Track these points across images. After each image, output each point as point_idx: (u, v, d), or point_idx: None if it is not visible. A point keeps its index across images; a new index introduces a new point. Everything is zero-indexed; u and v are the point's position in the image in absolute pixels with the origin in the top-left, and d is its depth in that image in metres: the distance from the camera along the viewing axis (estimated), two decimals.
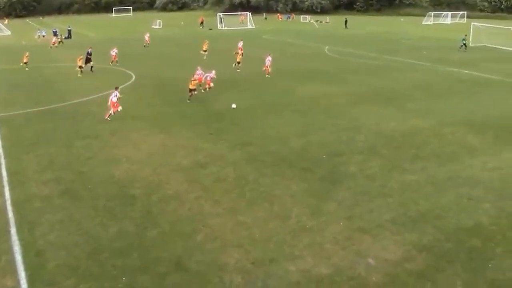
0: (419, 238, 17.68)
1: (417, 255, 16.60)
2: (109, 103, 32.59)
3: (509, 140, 29.08)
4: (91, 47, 53.07)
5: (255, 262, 16.06)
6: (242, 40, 66.52)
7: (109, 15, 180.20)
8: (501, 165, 25.00)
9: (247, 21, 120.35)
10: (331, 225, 18.55)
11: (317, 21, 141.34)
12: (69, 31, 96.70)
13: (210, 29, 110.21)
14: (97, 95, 40.06)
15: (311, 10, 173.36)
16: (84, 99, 39.14)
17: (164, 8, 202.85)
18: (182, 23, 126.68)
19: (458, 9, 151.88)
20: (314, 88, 43.49)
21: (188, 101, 37.56)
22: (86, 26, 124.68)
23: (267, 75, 49.00)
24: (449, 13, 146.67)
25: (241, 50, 61.24)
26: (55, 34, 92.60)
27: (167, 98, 39.84)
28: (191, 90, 37.84)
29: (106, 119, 32.45)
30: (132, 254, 16.54)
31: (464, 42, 73.05)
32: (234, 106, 35.91)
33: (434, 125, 31.82)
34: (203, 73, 40.64)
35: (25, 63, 55.59)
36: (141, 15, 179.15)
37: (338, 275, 15.37)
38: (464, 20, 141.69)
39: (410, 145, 27.91)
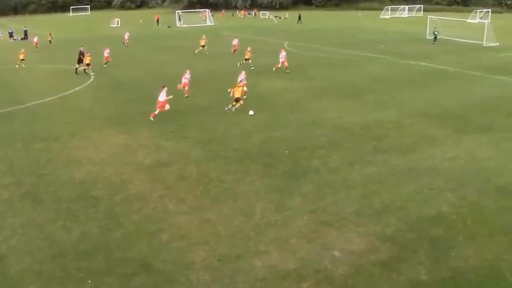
0: (383, 229, 17.91)
1: (381, 246, 16.82)
2: (158, 103, 32.12)
3: (467, 130, 29.63)
4: (83, 46, 51.66)
5: (222, 259, 16.08)
6: (237, 37, 66.44)
7: (66, 14, 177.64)
8: (460, 155, 25.46)
9: (206, 18, 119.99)
10: (296, 220, 18.67)
11: (276, 17, 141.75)
12: (25, 32, 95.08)
13: (169, 27, 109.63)
14: (55, 96, 39.60)
15: (270, 6, 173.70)
16: (41, 100, 38.58)
17: (122, 6, 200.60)
18: (140, 21, 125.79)
19: (414, 2, 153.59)
20: (275, 83, 43.63)
21: (227, 110, 33.95)
22: (43, 26, 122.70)
23: (287, 71, 48.66)
24: (406, 6, 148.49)
25: (235, 47, 62.06)
26: (11, 35, 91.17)
27: (126, 97, 39.51)
28: (237, 100, 33.23)
29: (150, 119, 32.04)
30: (96, 256, 16.41)
31: (435, 34, 74.10)
32: (251, 113, 33.49)
33: (394, 117, 32.23)
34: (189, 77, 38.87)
35: (22, 60, 55.68)
36: (99, 14, 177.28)
37: (304, 269, 15.48)
38: (421, 14, 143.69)
39: (371, 138, 28.21)
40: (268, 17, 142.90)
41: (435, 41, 73.79)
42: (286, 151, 26.23)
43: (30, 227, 18.51)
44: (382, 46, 70.13)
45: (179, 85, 37.05)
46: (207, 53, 63.73)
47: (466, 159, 24.98)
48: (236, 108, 33.30)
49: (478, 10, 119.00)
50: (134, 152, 26.40)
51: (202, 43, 65.70)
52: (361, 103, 35.83)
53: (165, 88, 32.31)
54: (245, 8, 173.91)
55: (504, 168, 23.70)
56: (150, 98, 37.37)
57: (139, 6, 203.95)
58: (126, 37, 78.23)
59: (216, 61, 56.91)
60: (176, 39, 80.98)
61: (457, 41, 74.62)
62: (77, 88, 42.86)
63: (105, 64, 53.73)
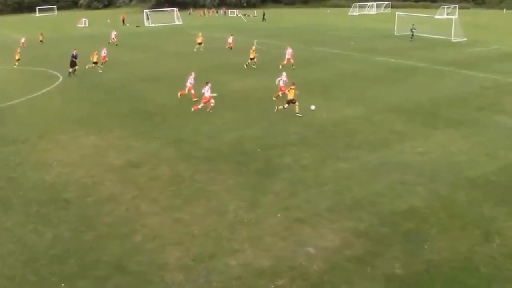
0: (356, 225, 17.98)
1: (355, 241, 16.88)
2: (203, 98, 32.83)
3: (436, 124, 29.93)
4: (75, 49, 50.33)
5: (196, 259, 15.99)
6: (232, 35, 66.61)
7: (33, 15, 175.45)
8: (431, 149, 25.70)
9: (174, 16, 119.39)
10: (269, 217, 18.64)
11: (245, 15, 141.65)
12: None
13: (138, 26, 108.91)
14: (23, 98, 39.08)
15: (238, 4, 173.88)
16: (8, 103, 38.04)
17: (89, 6, 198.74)
18: (108, 21, 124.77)
19: None
20: (245, 82, 43.60)
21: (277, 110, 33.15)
22: (9, 26, 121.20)
23: (292, 67, 48.44)
24: (374, 3, 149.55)
25: (230, 44, 63.11)
26: None
27: (95, 98, 39.07)
28: (290, 102, 32.11)
29: (193, 111, 33.00)
30: (69, 259, 16.20)
31: (413, 32, 74.64)
32: (313, 107, 33.25)
33: (365, 114, 32.43)
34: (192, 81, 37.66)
35: (18, 60, 54.95)
36: (66, 14, 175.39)
37: (279, 266, 15.46)
38: (389, 10, 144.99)
39: (342, 134, 28.34)
40: (237, 15, 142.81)
41: (412, 38, 74.30)
42: (258, 149, 26.20)
43: (0, 232, 18.22)
44: (352, 43, 70.53)
45: (181, 91, 37.01)
46: (202, 50, 64.04)
47: (437, 153, 25.21)
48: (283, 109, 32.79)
49: (446, 6, 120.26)
50: (105, 153, 26.14)
51: (199, 40, 66.13)
52: (332, 100, 35.95)
53: (209, 85, 32.91)
54: (214, 6, 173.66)
55: (474, 162, 23.97)
56: (120, 98, 37.27)
57: (106, 6, 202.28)
58: (113, 35, 77.42)
59: (185, 60, 56.63)
60: (146, 38, 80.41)
61: (425, 37, 75.34)
62: (45, 90, 42.32)
63: (102, 64, 52.78)
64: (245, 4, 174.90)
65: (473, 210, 19.03)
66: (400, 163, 23.88)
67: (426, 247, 16.46)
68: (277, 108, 32.66)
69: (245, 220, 18.53)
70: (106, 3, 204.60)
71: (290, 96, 32.12)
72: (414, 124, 30.07)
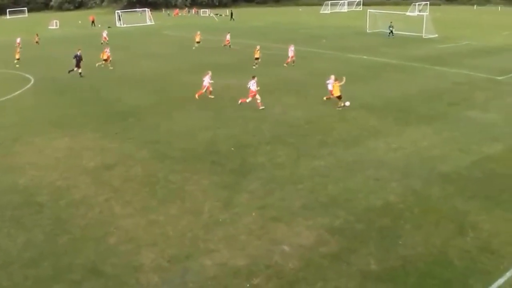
0: (331, 222, 18.05)
1: (330, 238, 16.94)
2: (250, 92, 33.24)
3: (410, 120, 30.21)
4: (80, 49, 49.15)
5: (171, 260, 15.93)
6: (229, 32, 67.95)
7: (2, 17, 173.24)
8: (403, 145, 25.91)
9: (146, 17, 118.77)
10: (244, 217, 18.64)
11: (217, 14, 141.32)
12: None
13: (109, 27, 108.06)
14: None
15: (210, 4, 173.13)
16: None
17: (60, 8, 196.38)
18: (79, 22, 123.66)
19: None
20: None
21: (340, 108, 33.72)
22: None
23: (292, 64, 50.10)
24: (346, 1, 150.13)
25: (228, 42, 64.83)
26: None
27: (68, 100, 38.66)
28: (339, 97, 33.54)
29: (240, 103, 33.57)
30: (43, 263, 16.04)
31: (391, 29, 75.05)
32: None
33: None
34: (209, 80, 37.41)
35: (18, 59, 54.36)
36: (37, 15, 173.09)
37: (254, 265, 15.47)
38: (361, 8, 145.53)
39: (316, 132, 28.43)
40: (209, 15, 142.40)
41: (390, 35, 74.81)
42: (232, 148, 26.18)
43: None
44: (324, 40, 70.75)
45: (200, 92, 36.63)
46: (193, 48, 64.23)
47: (410, 149, 25.42)
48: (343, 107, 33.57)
49: (417, 3, 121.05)
50: (78, 156, 25.92)
51: (197, 39, 67.08)
52: (305, 98, 36.05)
53: (255, 78, 33.33)
54: (186, 6, 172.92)
55: (447, 156, 24.23)
56: (93, 100, 36.98)
57: (77, 7, 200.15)
58: (104, 35, 77.07)
59: (157, 61, 56.41)
60: (117, 39, 79.86)
61: (397, 34, 75.83)
62: (16, 93, 41.86)
63: (108, 62, 52.26)
64: (217, 4, 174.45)
65: (447, 204, 19.22)
66: (374, 160, 24.04)
67: (401, 242, 16.58)
68: (342, 105, 33.56)
69: (220, 220, 18.51)
70: (77, 4, 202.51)
71: (337, 93, 33.29)
72: (387, 121, 30.28)
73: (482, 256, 15.71)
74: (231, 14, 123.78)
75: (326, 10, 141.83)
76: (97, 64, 49.65)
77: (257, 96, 32.79)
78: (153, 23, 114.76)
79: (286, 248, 16.43)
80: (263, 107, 32.91)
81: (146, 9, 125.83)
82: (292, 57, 50.19)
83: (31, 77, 47.84)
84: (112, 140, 28.08)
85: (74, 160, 25.29)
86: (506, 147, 25.66)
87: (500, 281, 14.48)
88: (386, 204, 19.34)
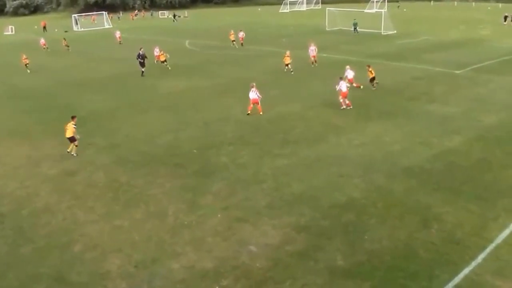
0: (297, 220, 18.10)
1: (297, 236, 16.99)
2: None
3: (370, 116, 30.45)
4: (142, 48, 48.76)
5: (138, 265, 15.81)
6: (242, 30, 67.66)
7: None
8: (365, 141, 26.11)
9: (103, 20, 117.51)
10: (210, 218, 18.59)
11: (175, 15, 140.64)
12: None
13: (66, 31, 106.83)
14: None
15: (169, 6, 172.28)
16: None
17: (15, 13, 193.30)
18: (35, 27, 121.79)
19: None
20: (178, 83, 43.32)
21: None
22: None
23: (312, 65, 49.27)
24: (304, 0, 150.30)
25: (242, 39, 65.14)
26: None
27: (25, 106, 38.07)
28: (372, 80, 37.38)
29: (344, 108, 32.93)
30: (7, 274, 15.77)
31: (355, 26, 75.55)
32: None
33: (299, 110, 32.69)
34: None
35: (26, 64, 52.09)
36: None
37: (222, 267, 15.44)
38: (319, 6, 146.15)
39: (278, 131, 28.46)
40: (167, 16, 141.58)
41: (355, 32, 75.42)
42: (195, 150, 26.09)
43: None
44: (284, 40, 70.83)
45: (249, 107, 35.50)
46: (236, 46, 63.68)
47: (372, 144, 25.62)
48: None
49: (375, 1, 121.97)
50: (38, 164, 25.54)
51: (232, 37, 66.54)
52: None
53: (344, 79, 33.89)
54: (144, 8, 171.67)
55: (409, 151, 24.47)
56: (51, 106, 36.44)
57: (33, 12, 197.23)
58: (117, 35, 77.73)
59: (116, 65, 55.87)
60: (74, 44, 78.85)
61: (358, 31, 76.38)
62: None
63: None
64: (176, 5, 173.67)
65: (410, 198, 19.43)
66: (337, 156, 24.16)
67: (366, 237, 16.71)
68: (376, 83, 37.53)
69: (186, 222, 18.43)
70: (32, 9, 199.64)
71: (371, 74, 37.24)
72: (348, 118, 30.46)
73: (447, 247, 15.92)
74: (174, 15, 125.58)
75: (285, 9, 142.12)
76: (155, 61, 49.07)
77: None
78: (110, 26, 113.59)
79: (253, 248, 16.43)
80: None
81: (104, 12, 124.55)
82: (313, 56, 49.46)
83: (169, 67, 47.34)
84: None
85: (34, 168, 24.93)
86: (465, 139, 26.01)
87: (466, 270, 14.71)
88: (350, 200, 19.47)
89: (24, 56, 50.17)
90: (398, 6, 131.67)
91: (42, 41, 75.99)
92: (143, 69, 47.28)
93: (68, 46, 72.86)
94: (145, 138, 28.58)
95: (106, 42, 77.17)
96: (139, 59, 47.58)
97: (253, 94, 31.76)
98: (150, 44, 59.61)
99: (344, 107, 32.58)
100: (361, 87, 36.84)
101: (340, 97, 32.63)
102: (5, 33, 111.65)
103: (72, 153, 26.39)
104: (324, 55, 54.94)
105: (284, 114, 31.81)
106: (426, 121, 29.23)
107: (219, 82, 42.76)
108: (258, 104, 32.03)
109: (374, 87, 36.97)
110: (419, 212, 18.23)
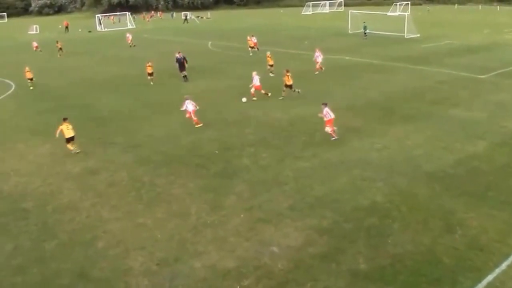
0: (319, 222, 18.05)
1: (319, 239, 16.95)
2: None
3: (393, 120, 30.28)
4: (179, 52, 47.31)
5: (160, 263, 15.90)
6: (253, 35, 65.80)
7: None
8: (388, 144, 25.96)
9: (126, 21, 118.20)
10: (232, 218, 18.63)
11: (198, 17, 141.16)
12: None
13: (90, 32, 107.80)
14: None
15: (192, 7, 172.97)
16: None
17: (40, 13, 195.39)
18: (60, 26, 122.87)
19: None
20: (200, 84, 43.45)
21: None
22: None
23: (318, 72, 47.10)
24: (327, 2, 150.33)
25: (256, 44, 63.00)
26: None
27: (48, 106, 38.40)
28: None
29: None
30: (31, 269, 15.94)
31: (365, 29, 75.28)
32: (244, 99, 35.94)
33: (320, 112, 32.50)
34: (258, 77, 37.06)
35: (30, 79, 46.47)
36: (17, 21, 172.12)
37: (244, 267, 15.46)
38: (342, 8, 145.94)
39: (299, 133, 28.42)
40: (190, 17, 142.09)
41: (366, 35, 75.03)
42: (216, 151, 26.13)
43: None
44: (306, 42, 70.75)
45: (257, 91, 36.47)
46: (251, 54, 63.17)
47: (394, 148, 25.47)
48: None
49: (398, 3, 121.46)
50: (61, 161, 25.77)
51: (251, 44, 63.81)
52: (287, 100, 35.95)
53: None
54: (167, 9, 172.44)
55: (431, 155, 24.29)
56: (73, 105, 36.76)
57: (57, 12, 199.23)
58: (130, 37, 77.64)
59: (140, 65, 56.10)
60: (98, 44, 79.47)
61: (379, 34, 76.05)
62: None
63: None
64: (199, 6, 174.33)
65: (434, 202, 19.28)
66: (359, 160, 24.06)
67: (389, 241, 16.62)
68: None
69: (208, 222, 18.48)
70: (56, 9, 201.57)
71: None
72: (371, 121, 30.34)
73: (471, 253, 15.78)
74: (185, 17, 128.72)
75: (307, 11, 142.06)
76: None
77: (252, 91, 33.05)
78: (134, 26, 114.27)
79: (275, 249, 16.43)
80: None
81: (127, 12, 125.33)
82: (318, 63, 47.18)
83: (12, 83, 47.41)
84: (95, 145, 27.97)
85: (57, 166, 25.16)
86: (489, 144, 25.77)
87: (490, 277, 14.54)
88: (373, 204, 19.37)
89: (27, 69, 47.00)
90: (428, 10, 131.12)
91: (35, 43, 76.05)
92: (184, 73, 45.84)
93: (61, 49, 70.37)
94: (167, 138, 28.70)
95: (126, 42, 77.41)
96: (177, 63, 46.17)
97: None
98: (171, 44, 59.88)
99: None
100: (269, 94, 36.58)
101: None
102: (29, 32, 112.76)
103: (74, 151, 26.82)
104: (346, 58, 54.86)
105: (305, 116, 31.72)
106: (449, 125, 29.02)
107: (240, 84, 42.68)
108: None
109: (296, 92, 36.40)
110: (443, 217, 18.10)
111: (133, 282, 15.00)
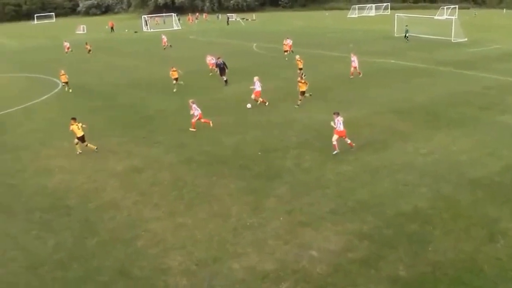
0: (360, 227, 17.88)
1: (359, 244, 16.78)
2: None
3: (438, 125, 29.81)
4: (219, 57, 47.81)
5: (199, 263, 15.95)
6: (288, 38, 65.26)
7: (30, 22, 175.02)
8: (433, 150, 25.56)
9: (172, 22, 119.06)
10: (272, 221, 18.57)
11: (243, 18, 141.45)
12: None
13: (136, 32, 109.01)
14: (21, 106, 39.17)
15: (237, 8, 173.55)
16: (7, 111, 38.05)
17: (87, 13, 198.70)
18: (106, 27, 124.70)
19: (382, 1, 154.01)
20: (244, 85, 43.36)
21: None
22: (5, 34, 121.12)
23: (351, 77, 45.77)
24: (373, 5, 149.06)
25: (290, 47, 62.19)
26: None
27: (93, 104, 38.99)
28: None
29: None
30: (72, 265, 16.17)
31: (406, 33, 74.63)
32: (249, 106, 35.66)
33: (365, 115, 32.28)
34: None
35: (65, 83, 45.51)
36: (64, 21, 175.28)
37: (282, 270, 15.40)
38: (388, 12, 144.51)
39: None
40: (235, 19, 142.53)
41: (407, 38, 74.22)
42: (259, 153, 26.12)
43: (3, 239, 18.25)
44: (351, 45, 70.28)
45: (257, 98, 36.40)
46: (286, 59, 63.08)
47: (439, 153, 25.07)
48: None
49: (445, 7, 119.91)
50: (105, 159, 26.10)
51: (287, 48, 62.92)
52: (330, 103, 35.74)
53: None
54: (213, 11, 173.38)
55: (477, 161, 23.83)
56: (118, 104, 37.22)
57: (104, 12, 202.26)
58: (164, 39, 77.97)
59: (186, 64, 56.49)
60: (143, 44, 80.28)
61: (425, 38, 75.12)
62: (44, 97, 42.35)
63: (210, 72, 50.72)
64: (244, 8, 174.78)
65: (477, 210, 18.90)
66: (402, 164, 23.75)
67: (430, 248, 16.37)
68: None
69: (248, 223, 18.47)
70: (104, 9, 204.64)
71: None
72: (415, 125, 29.94)
73: None
74: (227, 19, 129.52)
75: (353, 14, 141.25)
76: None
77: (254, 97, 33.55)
78: (179, 28, 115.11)
79: (314, 253, 16.34)
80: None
81: (173, 14, 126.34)
82: (355, 67, 45.84)
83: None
84: (139, 144, 28.26)
85: (101, 164, 25.48)
86: None
87: None
88: (416, 209, 19.09)
89: (62, 72, 46.80)
90: (475, 14, 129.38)
91: (67, 44, 76.74)
92: (225, 78, 45.70)
93: (90, 51, 72.55)
94: (210, 138, 28.80)
95: (174, 43, 77.90)
96: (217, 68, 46.85)
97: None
98: (216, 46, 60.09)
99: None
100: (267, 103, 36.03)
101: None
102: (77, 32, 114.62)
103: (80, 151, 27.23)
104: (392, 61, 54.36)
105: (349, 119, 31.26)
106: (497, 132, 28.45)
107: (283, 86, 42.65)
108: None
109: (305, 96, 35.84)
110: (486, 225, 17.72)
111: (172, 281, 15.08)
